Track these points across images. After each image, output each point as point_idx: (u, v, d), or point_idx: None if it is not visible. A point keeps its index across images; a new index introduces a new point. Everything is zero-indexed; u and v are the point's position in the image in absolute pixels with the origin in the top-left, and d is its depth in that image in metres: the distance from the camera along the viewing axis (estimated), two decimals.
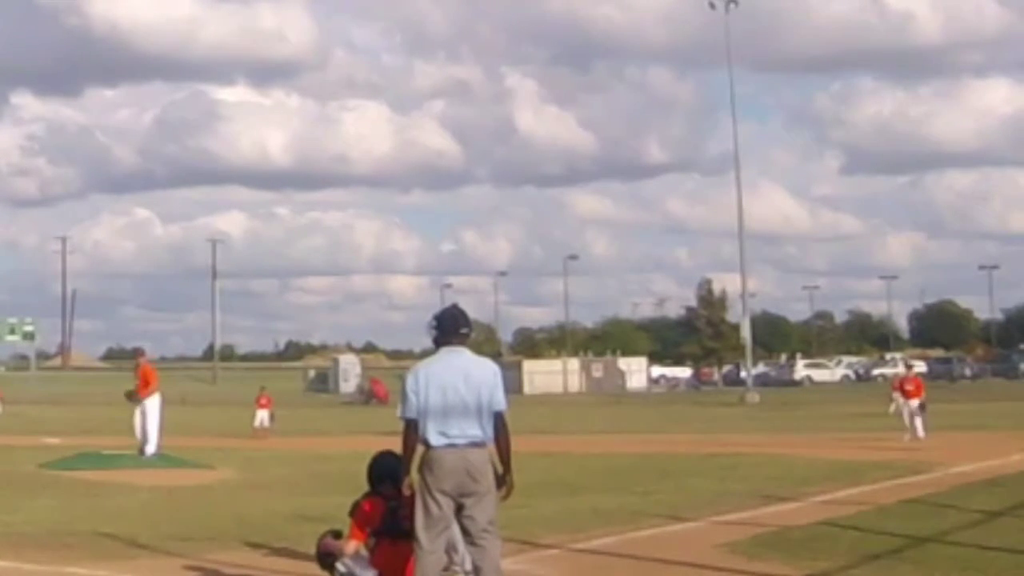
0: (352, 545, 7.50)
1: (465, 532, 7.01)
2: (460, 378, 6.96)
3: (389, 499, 7.43)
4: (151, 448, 19.43)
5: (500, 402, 7.03)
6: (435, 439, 6.93)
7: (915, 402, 23.11)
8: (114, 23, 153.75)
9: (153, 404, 19.67)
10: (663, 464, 18.80)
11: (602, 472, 17.78)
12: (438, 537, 6.98)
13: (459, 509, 6.95)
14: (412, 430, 7.00)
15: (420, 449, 7.05)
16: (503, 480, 7.04)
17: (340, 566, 7.56)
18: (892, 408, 23.37)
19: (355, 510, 7.60)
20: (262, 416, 30.52)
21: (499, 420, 7.01)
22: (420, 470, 6.99)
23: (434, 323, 7.23)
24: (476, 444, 6.94)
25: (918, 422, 22.68)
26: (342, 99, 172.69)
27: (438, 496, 6.90)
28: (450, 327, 7.16)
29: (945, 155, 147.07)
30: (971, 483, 14.97)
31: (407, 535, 7.19)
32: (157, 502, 14.18)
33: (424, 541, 6.97)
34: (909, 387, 23.51)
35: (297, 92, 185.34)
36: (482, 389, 6.97)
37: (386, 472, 7.53)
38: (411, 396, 7.00)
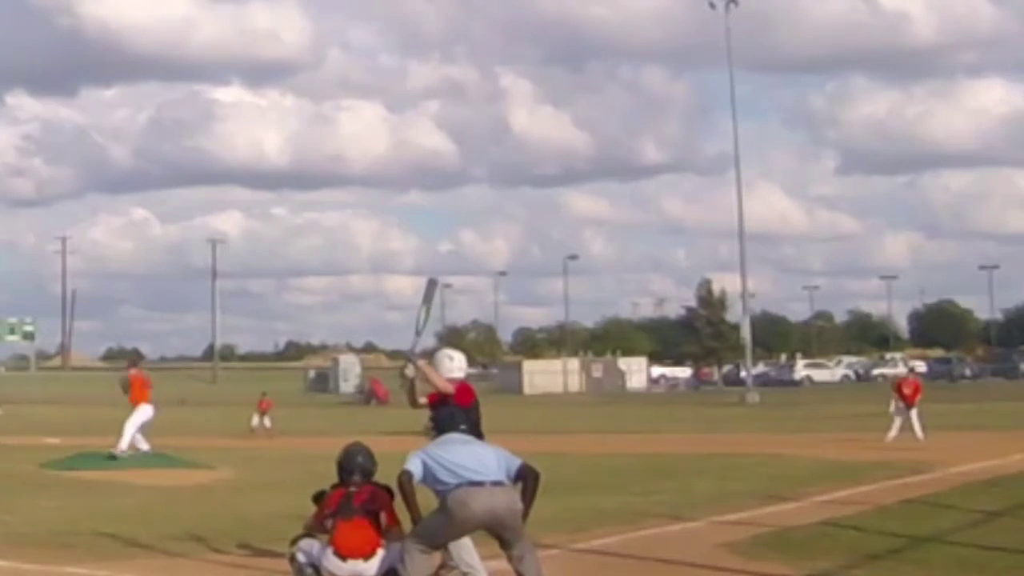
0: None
1: (511, 555, 7.22)
2: (471, 442, 7.39)
3: (349, 487, 7.96)
4: (122, 446, 19.36)
5: (515, 460, 7.33)
6: (457, 480, 7.10)
7: (904, 405, 22.64)
8: (108, 23, 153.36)
9: (137, 409, 19.59)
10: (663, 464, 18.80)
11: (602, 472, 17.78)
12: (437, 549, 7.24)
13: (498, 537, 7.20)
14: (410, 483, 7.19)
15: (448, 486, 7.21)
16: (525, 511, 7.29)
17: (299, 555, 8.03)
18: (892, 407, 23.20)
19: (320, 498, 8.11)
20: (258, 418, 30.45)
21: (526, 469, 7.29)
22: (446, 506, 7.13)
23: (431, 424, 7.82)
24: (502, 484, 7.16)
25: (916, 425, 22.31)
26: (337, 99, 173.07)
27: (460, 523, 7.12)
28: (448, 425, 7.56)
29: (941, 155, 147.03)
30: (971, 483, 14.97)
31: (361, 512, 7.77)
32: (157, 502, 14.18)
33: (420, 545, 7.13)
34: (907, 390, 22.95)
35: (292, 92, 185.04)
36: (497, 452, 7.32)
37: (355, 466, 8.06)
38: (416, 460, 7.23)
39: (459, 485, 7.05)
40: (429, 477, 7.15)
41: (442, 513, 7.11)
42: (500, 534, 7.14)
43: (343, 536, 7.79)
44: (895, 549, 9.83)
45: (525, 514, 7.25)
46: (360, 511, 7.80)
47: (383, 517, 7.83)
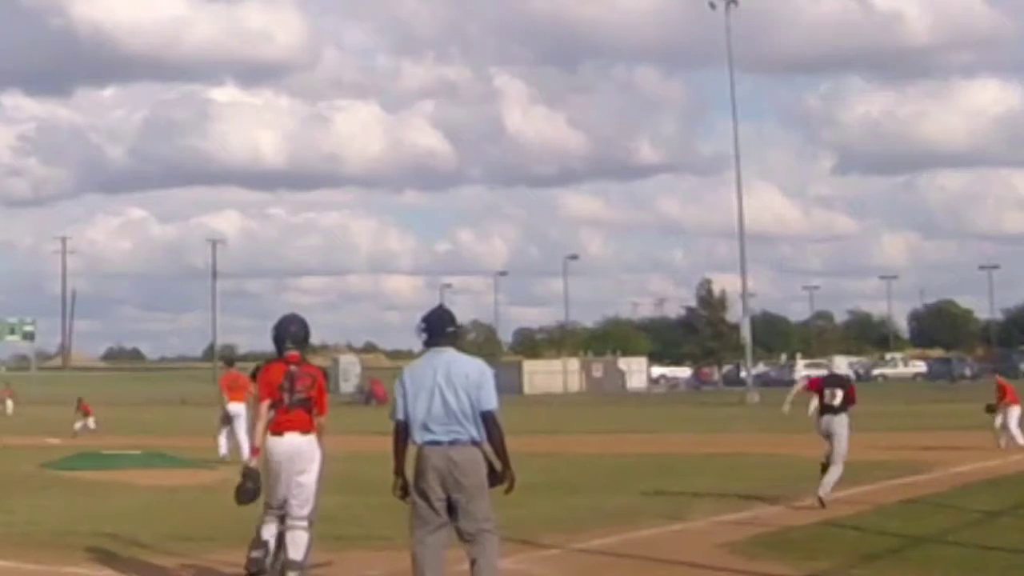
0: (265, 404, 8.13)
1: (462, 530, 6.97)
2: (442, 378, 6.98)
3: (290, 364, 8.10)
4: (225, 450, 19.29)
5: (486, 401, 6.99)
6: (419, 436, 7.00)
7: (1017, 409, 21.21)
8: (103, 23, 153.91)
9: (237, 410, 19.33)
10: (663, 464, 18.80)
11: (602, 472, 17.78)
12: (429, 535, 6.97)
13: (453, 509, 6.95)
14: (400, 431, 7.09)
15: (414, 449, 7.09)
16: (504, 476, 7.00)
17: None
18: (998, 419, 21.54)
19: (256, 373, 8.39)
20: (81, 422, 30.20)
21: (488, 419, 6.97)
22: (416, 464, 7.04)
23: (422, 325, 7.28)
24: (459, 442, 6.92)
25: (1012, 425, 21.04)
26: (331, 99, 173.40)
27: (425, 492, 6.94)
28: (436, 327, 7.21)
29: (937, 155, 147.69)
30: (971, 483, 14.99)
31: (301, 403, 8.02)
32: (157, 502, 14.18)
33: (413, 538, 7.02)
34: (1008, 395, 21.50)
35: (286, 92, 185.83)
36: (467, 388, 6.96)
37: (285, 333, 8.20)
38: (398, 398, 7.11)
39: (422, 444, 6.95)
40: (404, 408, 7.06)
41: (414, 467, 6.99)
42: (457, 501, 6.87)
43: (280, 419, 8.03)
44: (895, 549, 9.84)
45: (505, 472, 6.95)
46: (299, 404, 8.02)
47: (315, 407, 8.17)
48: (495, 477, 7.00)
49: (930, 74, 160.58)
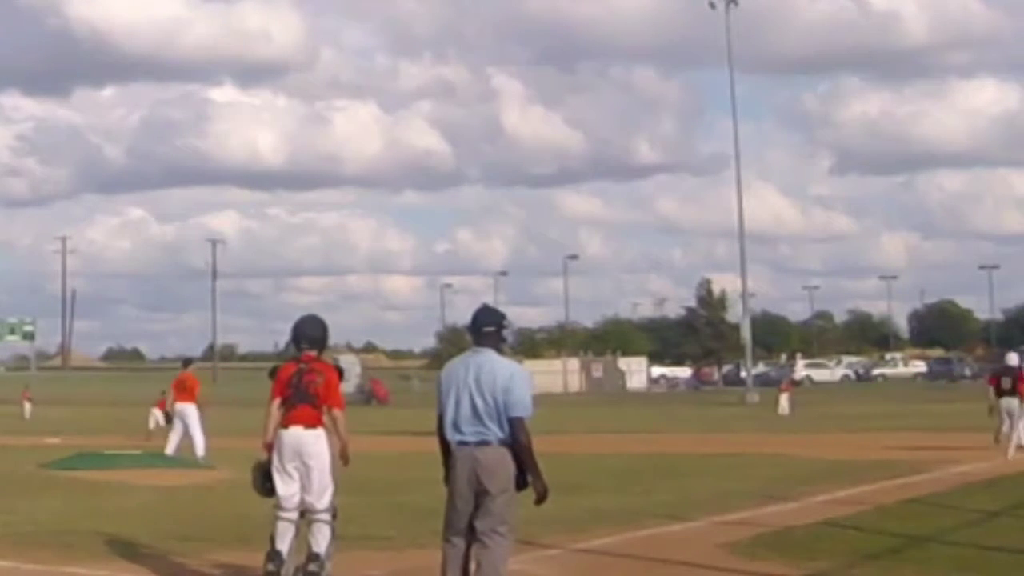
0: (275, 402, 8.36)
1: (476, 529, 6.95)
2: (472, 378, 6.98)
3: (300, 363, 8.38)
4: (200, 451, 19.46)
5: (514, 407, 6.95)
6: (450, 435, 7.02)
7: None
8: (100, 23, 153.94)
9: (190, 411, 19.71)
10: (663, 464, 18.79)
11: (602, 472, 17.76)
12: (455, 535, 6.99)
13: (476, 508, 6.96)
14: (441, 426, 7.12)
15: None
16: (534, 486, 7.00)
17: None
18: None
19: (273, 372, 8.54)
20: (157, 416, 29.77)
21: (514, 426, 6.94)
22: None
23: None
24: (487, 443, 6.92)
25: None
26: (329, 99, 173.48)
27: (453, 493, 6.97)
28: (472, 326, 7.24)
29: (935, 155, 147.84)
30: (971, 483, 14.98)
31: (306, 399, 8.23)
32: (157, 502, 14.16)
33: (442, 537, 7.05)
34: None
35: (284, 92, 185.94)
36: (494, 391, 6.93)
37: (301, 334, 8.55)
38: (438, 394, 7.15)
39: (452, 443, 6.97)
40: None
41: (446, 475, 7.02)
42: (479, 497, 6.88)
43: (287, 414, 8.26)
44: (895, 549, 9.83)
45: (535, 483, 6.96)
46: (304, 399, 8.22)
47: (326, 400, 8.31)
48: (524, 480, 6.99)
49: (928, 74, 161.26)
